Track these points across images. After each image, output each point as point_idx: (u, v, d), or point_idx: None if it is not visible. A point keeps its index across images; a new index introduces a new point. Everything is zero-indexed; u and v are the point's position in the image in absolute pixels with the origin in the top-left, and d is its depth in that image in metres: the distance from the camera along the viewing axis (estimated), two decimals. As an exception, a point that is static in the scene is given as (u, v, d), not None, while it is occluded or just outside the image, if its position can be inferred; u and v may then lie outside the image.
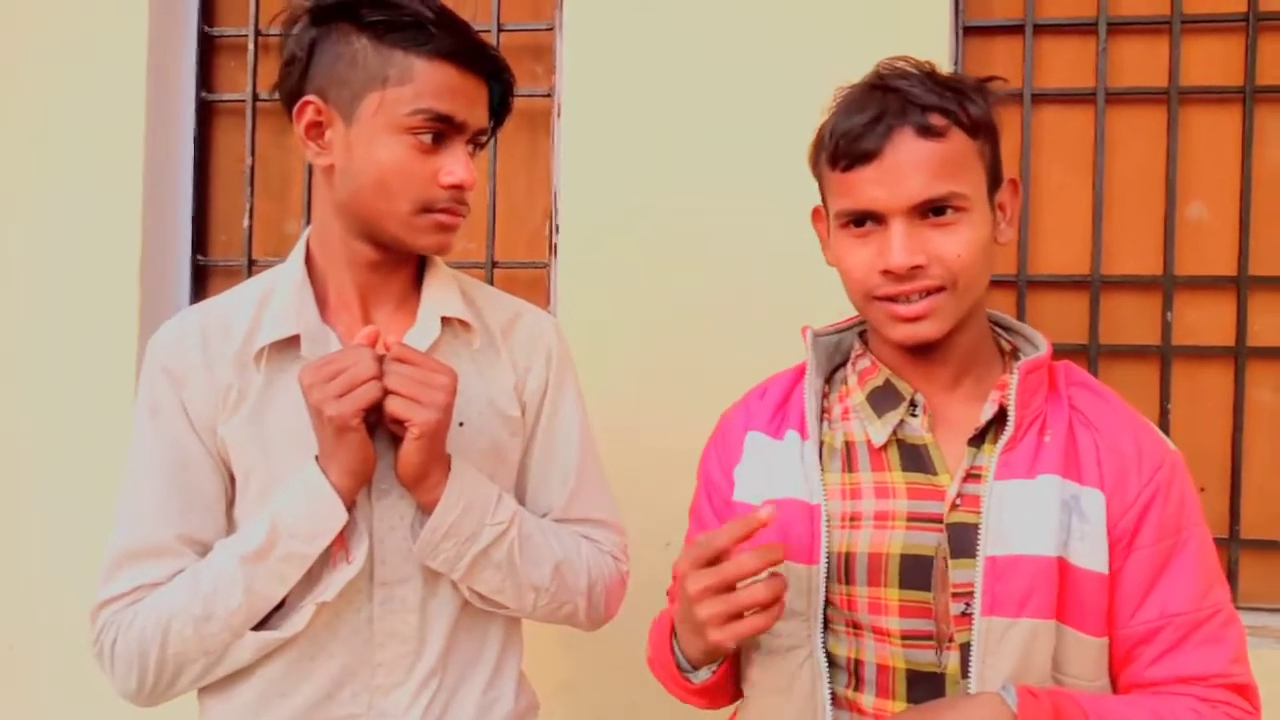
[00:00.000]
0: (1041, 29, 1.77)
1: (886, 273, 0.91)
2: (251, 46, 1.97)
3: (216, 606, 0.96)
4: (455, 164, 1.00)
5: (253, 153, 1.98)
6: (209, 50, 2.01)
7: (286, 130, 1.99)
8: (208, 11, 2.00)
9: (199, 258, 2.00)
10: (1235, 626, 0.94)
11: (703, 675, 0.97)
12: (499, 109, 1.07)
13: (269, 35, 1.97)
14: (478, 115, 1.02)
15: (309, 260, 1.07)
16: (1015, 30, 1.77)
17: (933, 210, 0.90)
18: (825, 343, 1.05)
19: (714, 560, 0.86)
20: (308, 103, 0.99)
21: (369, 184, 0.99)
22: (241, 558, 0.96)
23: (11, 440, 1.90)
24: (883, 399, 0.98)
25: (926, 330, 0.92)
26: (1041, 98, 1.77)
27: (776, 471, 1.00)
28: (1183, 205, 1.74)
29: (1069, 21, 1.76)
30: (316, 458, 0.97)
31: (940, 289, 0.91)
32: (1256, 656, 1.55)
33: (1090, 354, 1.73)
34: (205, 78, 2.00)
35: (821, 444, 0.99)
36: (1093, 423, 0.95)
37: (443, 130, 0.99)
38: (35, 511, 1.89)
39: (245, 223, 1.98)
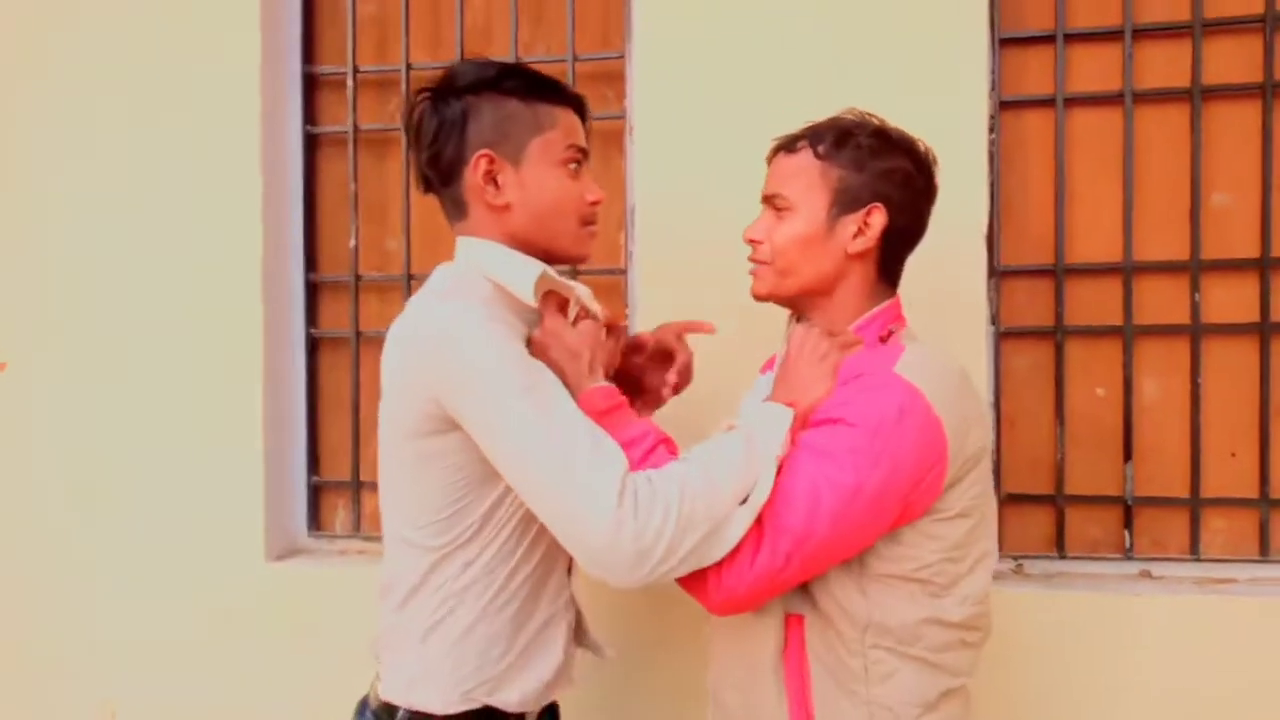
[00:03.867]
0: (1071, 37, 1.93)
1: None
2: (350, 83, 2.19)
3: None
4: (592, 185, 1.31)
5: (355, 179, 2.20)
6: (311, 87, 2.24)
7: (384, 158, 2.25)
8: (309, 52, 2.22)
9: (310, 275, 2.23)
10: None
11: None
12: None
13: (366, 72, 2.19)
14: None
15: None
16: (1047, 40, 1.93)
17: (775, 205, 1.28)
18: None
19: None
20: (483, 156, 1.23)
21: (548, 210, 1.25)
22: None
23: (144, 448, 2.14)
24: None
25: (754, 286, 1.32)
26: (1073, 101, 1.93)
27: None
28: (1207, 195, 1.89)
29: (1097, 30, 1.92)
30: None
31: (765, 262, 1.29)
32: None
33: (1125, 335, 1.89)
34: (309, 112, 2.23)
35: None
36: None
37: (580, 160, 1.28)
38: (160, 526, 2.13)
39: (351, 243, 2.20)
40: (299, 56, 2.21)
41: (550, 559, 1.28)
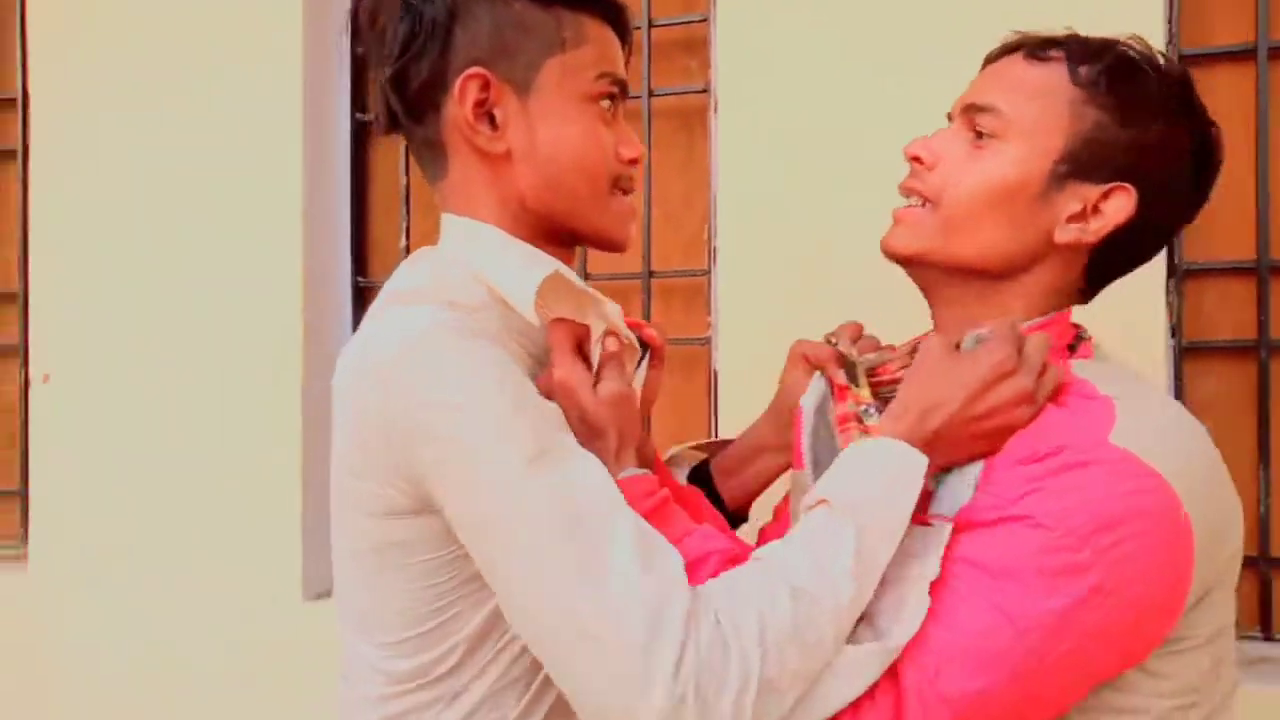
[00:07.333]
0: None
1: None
2: (402, 64, 1.95)
3: None
4: (631, 136, 0.89)
5: (407, 172, 1.96)
6: (361, 70, 2.01)
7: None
8: (359, 33, 1.99)
9: (359, 279, 2.00)
10: None
11: None
12: None
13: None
14: None
15: None
16: (1246, -25, 1.52)
17: (977, 123, 0.85)
18: None
19: None
20: (473, 76, 0.82)
21: (567, 164, 0.84)
22: None
23: (180, 465, 1.95)
24: None
25: (891, 238, 0.90)
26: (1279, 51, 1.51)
27: None
28: None
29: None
30: None
31: (927, 199, 0.87)
32: None
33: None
34: (358, 99, 2.00)
35: None
36: None
37: (616, 96, 0.87)
38: (203, 537, 1.93)
39: (402, 242, 1.96)
40: (347, 37, 1.98)
41: None
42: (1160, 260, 1.45)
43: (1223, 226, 1.53)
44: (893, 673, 0.71)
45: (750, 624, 0.67)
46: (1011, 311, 0.87)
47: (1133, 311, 1.44)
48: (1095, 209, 0.84)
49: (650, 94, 1.79)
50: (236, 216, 1.91)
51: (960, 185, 0.85)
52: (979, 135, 0.86)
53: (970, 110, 0.87)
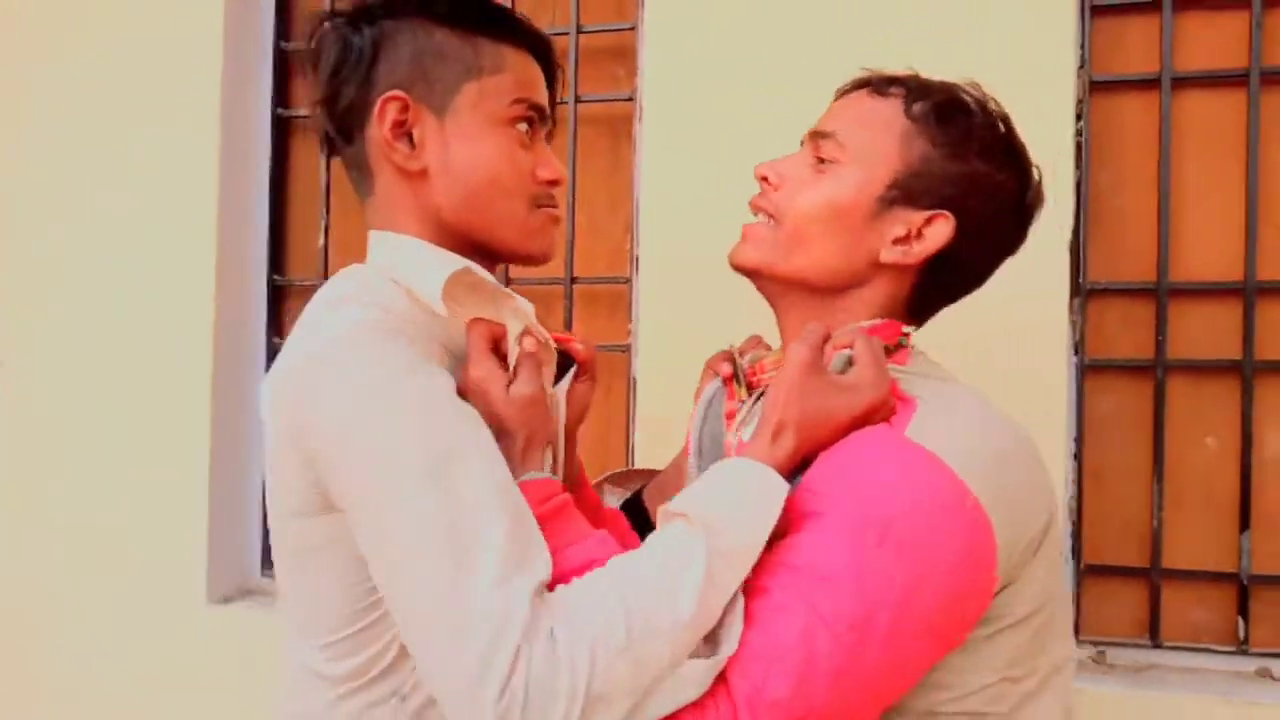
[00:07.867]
0: (1183, 3, 1.56)
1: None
2: (326, 59, 1.91)
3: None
4: (550, 158, 0.94)
5: (328, 170, 1.92)
6: (284, 65, 1.97)
7: (362, 144, 1.95)
8: (283, 25, 1.96)
9: (275, 277, 1.96)
10: None
11: None
12: None
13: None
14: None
15: None
16: (1151, 7, 1.57)
17: (820, 149, 0.93)
18: None
19: None
20: (391, 99, 0.88)
21: (482, 182, 0.89)
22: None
23: (85, 462, 1.89)
24: None
25: (736, 252, 0.97)
26: (1183, 82, 1.56)
27: None
28: (1355, 200, 1.52)
29: (1215, -6, 1.56)
30: None
31: (770, 216, 0.95)
32: None
33: (1244, 371, 1.52)
34: (281, 93, 1.96)
35: None
36: None
37: (534, 121, 0.93)
38: (107, 537, 1.88)
39: (320, 241, 1.93)
40: (271, 29, 1.94)
41: None
42: (1065, 279, 1.51)
43: (1127, 249, 1.59)
44: (723, 680, 0.73)
45: (583, 639, 0.69)
46: (845, 324, 0.93)
47: (1037, 328, 1.50)
48: (918, 233, 0.91)
49: (577, 100, 1.78)
50: (151, 209, 1.86)
51: (799, 203, 0.93)
52: (821, 160, 0.93)
53: (815, 136, 0.95)
